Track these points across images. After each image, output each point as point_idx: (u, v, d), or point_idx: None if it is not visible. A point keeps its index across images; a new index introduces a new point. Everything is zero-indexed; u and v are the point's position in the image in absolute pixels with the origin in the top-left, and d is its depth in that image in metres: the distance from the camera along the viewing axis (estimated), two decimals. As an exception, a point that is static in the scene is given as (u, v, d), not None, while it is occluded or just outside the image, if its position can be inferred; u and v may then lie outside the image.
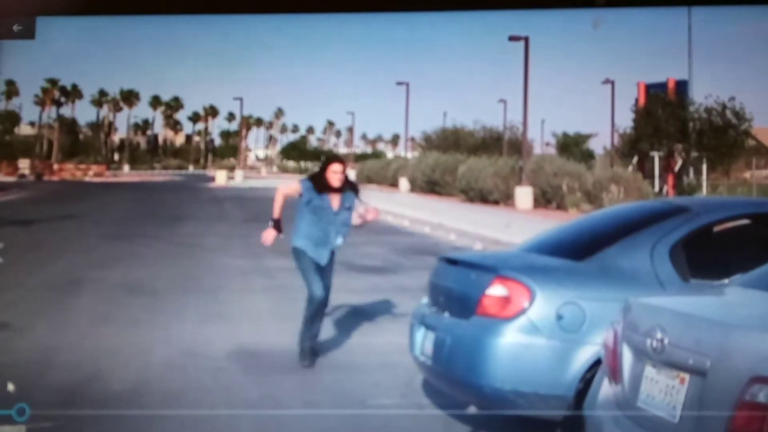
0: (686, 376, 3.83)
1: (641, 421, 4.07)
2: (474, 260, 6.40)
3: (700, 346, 3.78)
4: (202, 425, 6.48)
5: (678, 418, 3.83)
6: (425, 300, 6.82)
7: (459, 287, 6.27)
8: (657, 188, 36.90)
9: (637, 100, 40.34)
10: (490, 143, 59.69)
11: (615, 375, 4.40)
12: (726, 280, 5.04)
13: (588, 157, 57.25)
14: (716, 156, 37.26)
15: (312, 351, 8.41)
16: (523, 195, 35.22)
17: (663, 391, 3.98)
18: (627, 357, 4.30)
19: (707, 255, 6.10)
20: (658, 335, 4.01)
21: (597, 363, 5.24)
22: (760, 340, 3.60)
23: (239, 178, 71.66)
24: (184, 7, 6.73)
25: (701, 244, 6.09)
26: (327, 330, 10.17)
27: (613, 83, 50.74)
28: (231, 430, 6.40)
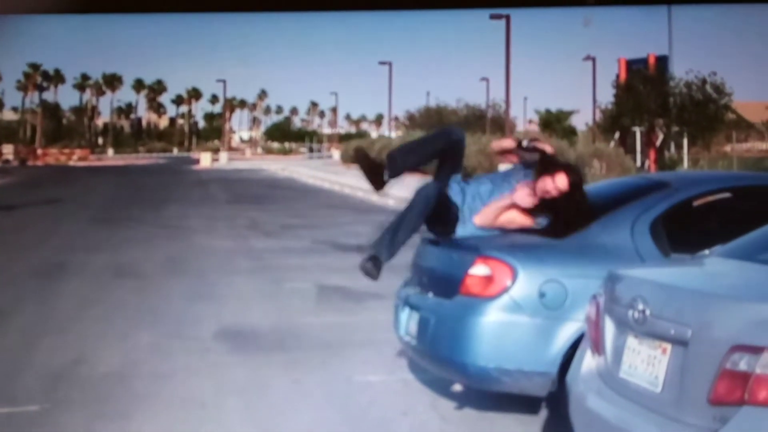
0: (668, 347, 3.87)
1: (624, 392, 4.12)
2: (456, 240, 6.43)
3: (681, 317, 3.82)
4: (189, 405, 6.51)
5: (660, 388, 3.88)
6: (409, 280, 6.86)
7: (442, 267, 6.31)
8: (639, 163, 37.02)
9: (618, 76, 40.47)
10: (473, 121, 59.99)
11: (597, 347, 4.44)
12: (707, 251, 5.09)
13: (570, 133, 57.51)
14: (697, 130, 37.43)
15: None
16: (507, 172, 35.18)
17: (645, 361, 4.02)
18: (609, 328, 4.34)
19: (687, 229, 6.15)
20: (640, 306, 4.05)
21: (580, 339, 5.27)
22: (741, 309, 3.65)
23: (224, 160, 71.91)
24: (172, 5, 6.73)
25: (681, 218, 6.13)
26: (313, 308, 10.21)
27: (594, 60, 50.80)
28: (218, 409, 6.43)
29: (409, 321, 6.43)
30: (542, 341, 5.69)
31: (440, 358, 6.08)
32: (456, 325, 5.86)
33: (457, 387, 6.72)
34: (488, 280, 5.81)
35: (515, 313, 5.70)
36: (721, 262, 4.53)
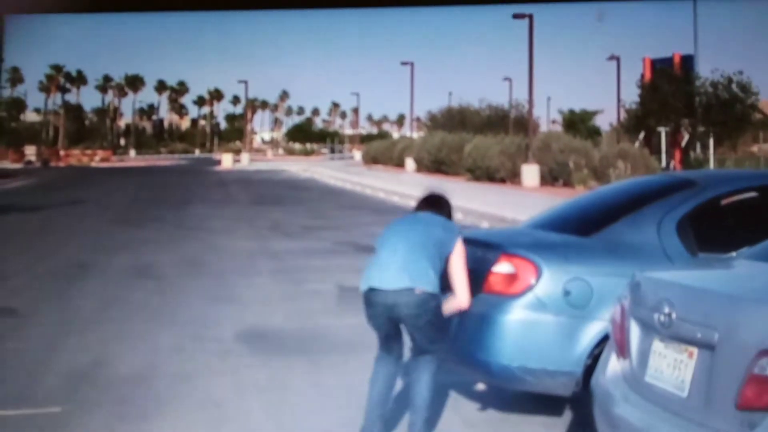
0: (694, 350, 3.81)
1: (649, 396, 4.06)
2: (480, 238, 6.37)
3: (708, 320, 3.75)
4: (210, 407, 6.49)
5: (687, 393, 3.82)
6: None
7: (464, 265, 6.24)
8: (664, 163, 36.84)
9: (643, 76, 40.29)
10: (495, 121, 59.87)
11: (623, 350, 4.38)
12: (734, 254, 5.01)
13: (594, 133, 57.40)
14: (723, 130, 37.20)
15: None
16: (530, 173, 35.20)
17: (671, 365, 3.96)
18: (635, 332, 4.28)
19: (715, 228, 6.07)
20: (666, 309, 3.98)
21: (605, 339, 5.21)
22: (769, 313, 3.58)
23: (245, 161, 72.18)
24: (189, 4, 6.71)
25: (709, 217, 6.06)
26: (334, 310, 10.18)
27: (618, 59, 50.70)
28: (238, 410, 6.41)
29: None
30: (567, 340, 5.62)
31: (462, 356, 6.02)
32: (479, 323, 5.80)
33: (480, 389, 6.66)
34: (512, 277, 5.75)
35: (539, 311, 5.64)
36: (748, 264, 4.45)
